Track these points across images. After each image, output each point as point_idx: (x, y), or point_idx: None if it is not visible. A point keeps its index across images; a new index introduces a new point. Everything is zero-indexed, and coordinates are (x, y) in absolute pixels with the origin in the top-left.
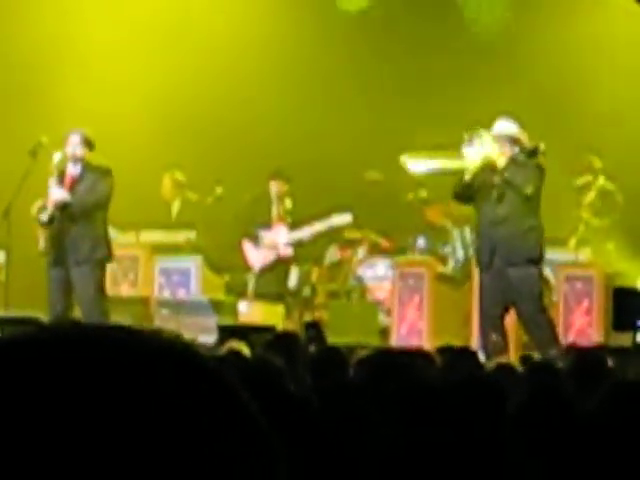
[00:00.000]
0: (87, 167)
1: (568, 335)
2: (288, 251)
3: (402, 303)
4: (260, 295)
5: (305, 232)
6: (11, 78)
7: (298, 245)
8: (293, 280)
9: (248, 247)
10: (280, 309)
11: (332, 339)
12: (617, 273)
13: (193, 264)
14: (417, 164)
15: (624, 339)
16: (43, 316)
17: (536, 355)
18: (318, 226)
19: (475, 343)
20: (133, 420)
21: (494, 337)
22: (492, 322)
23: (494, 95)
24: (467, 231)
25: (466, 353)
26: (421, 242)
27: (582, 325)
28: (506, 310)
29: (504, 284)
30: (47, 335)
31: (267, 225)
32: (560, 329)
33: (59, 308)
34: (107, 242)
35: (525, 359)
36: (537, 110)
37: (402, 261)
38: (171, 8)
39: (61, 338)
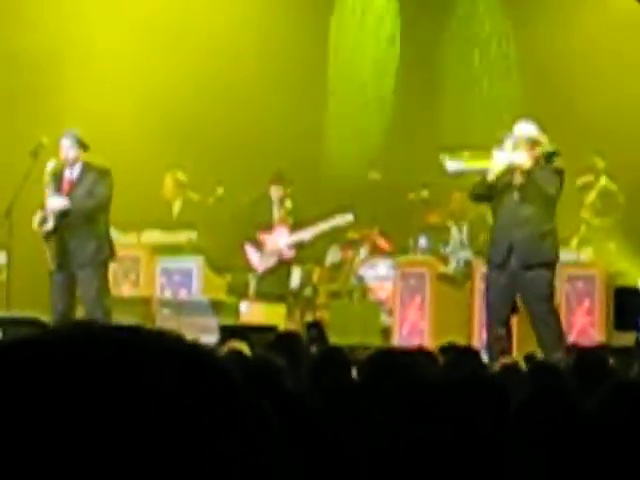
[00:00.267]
0: (86, 168)
1: (570, 335)
2: (290, 253)
3: (403, 303)
4: (261, 295)
5: (307, 233)
6: (12, 79)
7: (300, 246)
8: (295, 280)
9: (250, 250)
10: (281, 309)
11: (334, 339)
12: (618, 273)
13: (194, 264)
14: (455, 164)
15: (626, 339)
16: (44, 316)
17: (539, 354)
18: (320, 226)
19: (477, 342)
20: (139, 420)
21: (500, 336)
22: (500, 321)
23: (497, 95)
24: (467, 231)
25: (468, 352)
26: (422, 242)
27: (584, 325)
28: (514, 310)
29: (517, 284)
30: (52, 337)
31: (268, 227)
32: None
33: (61, 308)
34: (110, 242)
35: (529, 358)
36: (539, 110)
37: (403, 261)
38: (172, 8)
39: (67, 339)
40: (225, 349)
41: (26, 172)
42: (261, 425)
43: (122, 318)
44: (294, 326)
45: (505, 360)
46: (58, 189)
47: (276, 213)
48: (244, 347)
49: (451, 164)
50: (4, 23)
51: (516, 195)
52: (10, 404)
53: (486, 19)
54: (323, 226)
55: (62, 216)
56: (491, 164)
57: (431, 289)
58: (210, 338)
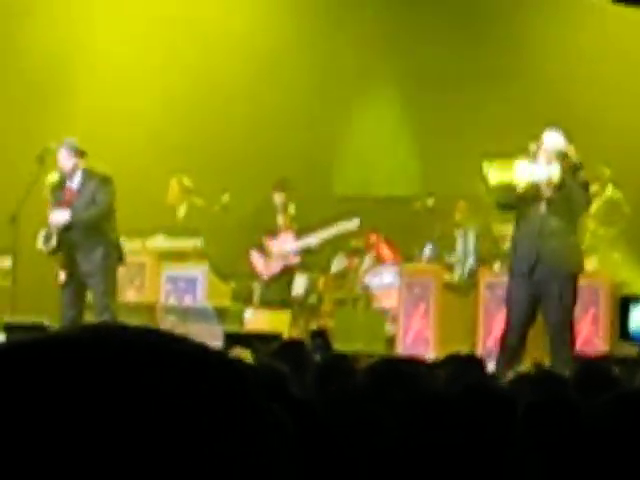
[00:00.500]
0: (86, 176)
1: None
2: (296, 259)
3: (408, 312)
4: (266, 302)
5: (312, 239)
6: (19, 83)
7: (306, 253)
8: (300, 288)
9: (256, 257)
10: (286, 317)
11: (338, 347)
12: (623, 282)
13: (200, 271)
14: (497, 173)
15: (631, 349)
16: (49, 321)
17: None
18: (325, 233)
19: (481, 351)
20: (141, 419)
21: (514, 345)
22: (518, 330)
23: (501, 103)
24: (472, 239)
25: (473, 361)
26: (428, 251)
27: (588, 334)
28: (533, 320)
29: (542, 294)
30: (60, 337)
31: (273, 233)
32: None
33: (70, 317)
34: (118, 248)
35: (537, 366)
36: (545, 118)
37: (408, 270)
38: (181, 14)
39: (74, 339)
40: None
41: (32, 177)
42: (272, 426)
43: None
44: (299, 333)
45: (519, 369)
46: (61, 200)
47: (280, 219)
48: (247, 355)
49: (493, 174)
50: (12, 27)
51: (544, 207)
52: (14, 404)
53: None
54: (329, 231)
55: (65, 230)
56: (522, 175)
57: (436, 298)
58: (214, 345)
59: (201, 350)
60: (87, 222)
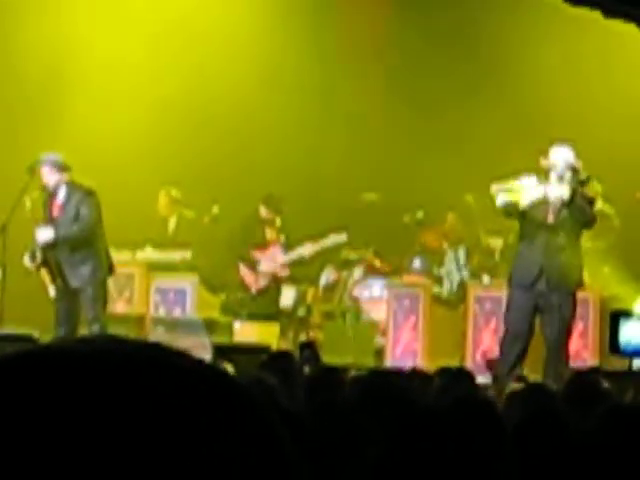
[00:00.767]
0: (70, 189)
1: None
2: (285, 272)
3: (397, 324)
4: (255, 315)
5: (300, 252)
6: (10, 94)
7: (296, 265)
8: (289, 300)
9: (244, 270)
10: (275, 329)
11: (327, 359)
12: (612, 297)
13: (189, 283)
14: (501, 197)
15: (619, 362)
16: (38, 333)
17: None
18: (313, 246)
19: (470, 364)
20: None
21: (514, 356)
22: (517, 341)
23: (494, 118)
24: (462, 252)
25: (463, 374)
26: (417, 263)
27: (577, 348)
28: (532, 332)
29: (543, 306)
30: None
31: (262, 246)
32: None
33: (63, 332)
34: (107, 259)
35: (523, 379)
36: (536, 133)
37: (397, 282)
38: (174, 26)
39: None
40: None
41: (22, 188)
42: (264, 431)
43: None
44: (287, 346)
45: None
46: (48, 216)
47: (267, 232)
48: (229, 368)
49: (499, 199)
50: (3, 38)
51: (552, 223)
52: (11, 416)
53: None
54: (316, 246)
55: (51, 246)
56: (534, 195)
57: (425, 310)
58: (203, 357)
59: (200, 365)
60: (71, 239)
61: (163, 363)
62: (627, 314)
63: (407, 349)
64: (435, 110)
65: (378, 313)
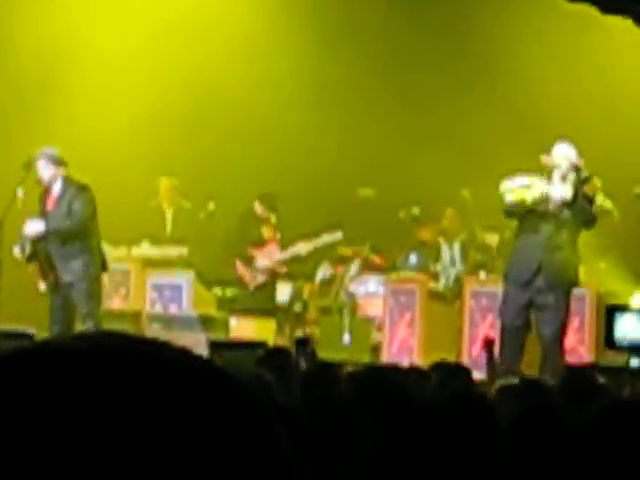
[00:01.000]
0: (66, 183)
1: None
2: (282, 269)
3: (393, 320)
4: (251, 311)
5: (296, 250)
6: (5, 90)
7: (293, 261)
8: (285, 296)
9: (242, 268)
10: (271, 325)
11: (323, 355)
12: (609, 292)
13: (185, 279)
14: (509, 196)
15: (615, 358)
16: (34, 329)
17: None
18: (309, 244)
19: (466, 360)
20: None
21: (509, 352)
22: (512, 338)
23: (488, 113)
24: (457, 248)
25: (459, 369)
26: (413, 259)
27: (573, 343)
28: (528, 328)
29: (538, 304)
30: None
31: (259, 243)
32: None
33: (58, 330)
34: (100, 255)
35: (521, 375)
36: (532, 130)
37: (394, 278)
38: (173, 22)
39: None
40: None
41: (18, 184)
42: (262, 429)
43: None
44: (284, 341)
45: (506, 381)
46: (43, 209)
47: (264, 230)
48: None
49: (507, 197)
50: (2, 34)
51: (552, 220)
52: (9, 413)
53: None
54: (312, 244)
55: (43, 239)
56: (537, 194)
57: (421, 306)
58: (199, 354)
59: (200, 362)
60: (62, 233)
61: (163, 360)
62: (622, 309)
63: (403, 345)
64: (429, 106)
65: (374, 309)
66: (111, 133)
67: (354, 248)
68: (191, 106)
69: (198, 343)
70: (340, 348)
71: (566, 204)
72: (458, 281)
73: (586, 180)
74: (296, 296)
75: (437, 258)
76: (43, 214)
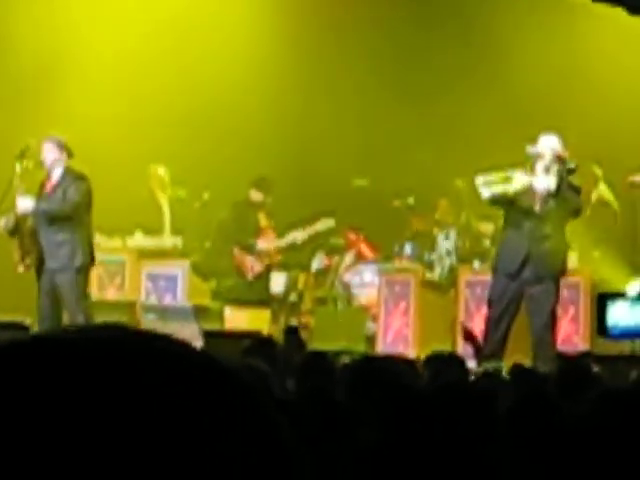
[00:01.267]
0: (66, 172)
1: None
2: (277, 258)
3: (388, 310)
4: (247, 301)
5: (292, 238)
6: (3, 83)
7: (289, 250)
8: (280, 286)
9: (241, 256)
10: (266, 315)
11: (318, 345)
12: (603, 281)
13: (180, 270)
14: (486, 189)
15: (610, 347)
16: (28, 320)
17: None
18: (302, 232)
19: (461, 349)
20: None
21: (496, 342)
22: (500, 328)
23: (485, 104)
24: (452, 238)
25: (453, 359)
26: (408, 249)
27: (568, 333)
28: (514, 317)
29: (526, 294)
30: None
31: (256, 232)
32: None
33: (46, 311)
34: (89, 247)
35: (517, 365)
36: (531, 119)
37: (388, 268)
38: (168, 15)
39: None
40: None
41: (12, 175)
42: (263, 420)
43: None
44: (278, 332)
45: (490, 365)
46: (40, 190)
47: (261, 218)
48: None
49: (484, 191)
50: None
51: (538, 211)
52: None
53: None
54: (305, 232)
55: (28, 216)
56: (515, 182)
57: (416, 296)
58: (194, 344)
59: (197, 353)
60: (51, 214)
61: (159, 352)
62: (614, 296)
63: (398, 335)
64: (424, 96)
65: (369, 299)
66: (105, 124)
67: (348, 238)
68: (185, 96)
69: (193, 334)
70: (335, 338)
71: (551, 195)
72: (453, 271)
73: (572, 170)
74: (291, 286)
75: (432, 248)
76: (39, 196)
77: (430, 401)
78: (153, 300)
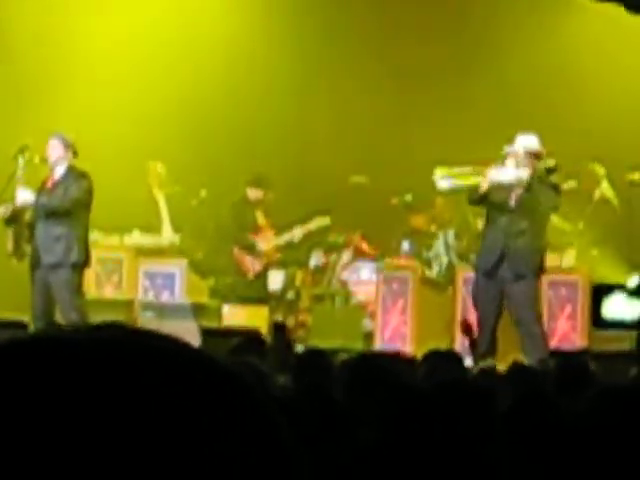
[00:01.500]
0: (69, 170)
1: (552, 340)
2: (276, 256)
3: (386, 307)
4: (244, 299)
5: (290, 236)
6: (3, 82)
7: (284, 249)
8: (278, 283)
9: (242, 255)
10: (264, 312)
11: (316, 343)
12: (601, 278)
13: (178, 267)
14: (445, 182)
15: (608, 344)
16: (27, 318)
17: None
18: (300, 230)
19: (459, 347)
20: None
21: (483, 340)
22: (485, 326)
23: (483, 101)
24: (450, 235)
25: (451, 357)
26: (405, 246)
27: (566, 330)
28: (499, 314)
29: (505, 292)
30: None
31: (254, 230)
32: None
33: (39, 309)
34: (84, 245)
35: (515, 363)
36: (524, 115)
37: (386, 265)
38: (169, 12)
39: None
40: None
41: (10, 174)
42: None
43: (104, 320)
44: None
45: (485, 364)
46: (43, 185)
47: (258, 216)
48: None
49: (442, 182)
50: None
51: (513, 207)
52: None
53: (485, 28)
54: (303, 229)
55: (27, 208)
56: (485, 178)
57: (414, 293)
58: (192, 342)
59: (195, 352)
60: (49, 208)
61: (158, 352)
62: (610, 288)
63: (396, 332)
64: (424, 93)
65: (367, 296)
66: (103, 121)
67: (346, 235)
68: (183, 93)
69: (190, 332)
70: (333, 336)
71: (525, 189)
72: (451, 268)
73: (552, 169)
74: (289, 284)
75: (430, 245)
76: (40, 191)
77: (429, 399)
78: (151, 298)
